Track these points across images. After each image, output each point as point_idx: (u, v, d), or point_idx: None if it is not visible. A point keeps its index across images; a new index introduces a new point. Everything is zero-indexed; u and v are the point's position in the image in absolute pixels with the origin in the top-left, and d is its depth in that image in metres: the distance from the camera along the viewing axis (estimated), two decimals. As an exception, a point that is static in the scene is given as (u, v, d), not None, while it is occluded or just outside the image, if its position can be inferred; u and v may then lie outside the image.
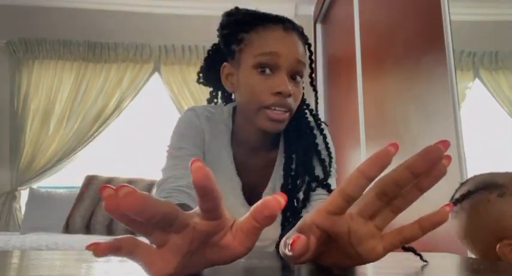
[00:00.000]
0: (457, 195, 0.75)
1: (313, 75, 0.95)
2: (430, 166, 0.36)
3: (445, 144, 0.37)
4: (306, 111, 0.93)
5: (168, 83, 3.51)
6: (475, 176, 0.77)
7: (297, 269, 0.48)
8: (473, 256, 0.74)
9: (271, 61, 0.80)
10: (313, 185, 0.84)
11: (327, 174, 0.86)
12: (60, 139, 3.35)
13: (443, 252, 0.82)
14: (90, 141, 3.39)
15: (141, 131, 3.53)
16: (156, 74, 3.58)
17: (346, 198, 0.37)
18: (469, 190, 0.73)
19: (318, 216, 0.40)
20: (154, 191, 0.88)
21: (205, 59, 0.98)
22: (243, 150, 0.92)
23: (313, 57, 0.93)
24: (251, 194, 0.94)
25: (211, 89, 1.03)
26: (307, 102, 0.94)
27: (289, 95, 0.80)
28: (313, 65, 0.94)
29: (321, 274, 0.46)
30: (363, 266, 0.62)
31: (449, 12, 1.26)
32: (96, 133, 3.40)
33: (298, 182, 0.86)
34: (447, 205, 0.40)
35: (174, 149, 0.86)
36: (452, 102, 1.24)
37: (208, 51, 0.98)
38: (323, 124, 0.93)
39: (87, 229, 2.73)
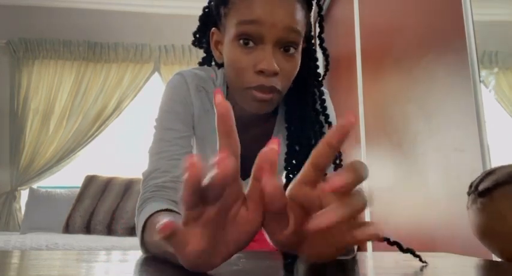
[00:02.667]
0: (484, 186, 0.66)
1: (323, 34, 0.81)
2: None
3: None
4: (315, 90, 0.80)
5: (168, 83, 3.51)
6: (504, 166, 0.68)
7: (297, 269, 0.48)
8: (472, 256, 0.74)
9: (254, 31, 0.67)
10: None
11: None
12: (60, 139, 3.35)
13: (443, 252, 0.82)
14: (90, 141, 3.40)
15: (141, 131, 3.53)
16: (156, 74, 3.58)
17: (315, 168, 0.39)
18: (503, 180, 0.63)
19: (292, 188, 0.40)
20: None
21: (200, 18, 0.85)
22: (238, 121, 0.84)
23: (323, 12, 0.81)
24: (245, 168, 0.89)
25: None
26: (319, 78, 0.80)
27: (275, 73, 0.67)
28: (324, 23, 0.81)
29: (321, 273, 0.46)
30: (362, 266, 0.62)
31: (472, 12, 1.26)
32: (96, 133, 3.41)
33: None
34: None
35: (161, 128, 0.78)
36: (475, 102, 1.23)
37: (204, 8, 0.84)
38: (328, 106, 0.81)
39: (87, 229, 2.73)
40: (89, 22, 3.52)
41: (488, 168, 1.19)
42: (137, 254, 0.68)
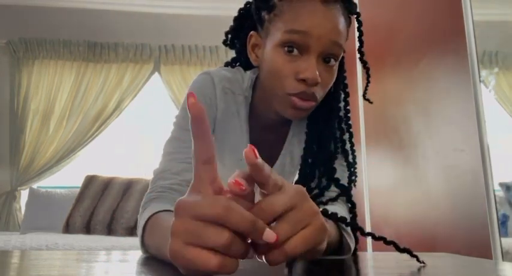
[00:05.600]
0: None
1: (363, 49, 0.83)
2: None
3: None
4: (340, 103, 0.82)
5: (168, 83, 3.51)
6: None
7: (297, 269, 0.48)
8: (472, 256, 0.74)
9: (301, 41, 0.69)
10: (335, 194, 0.76)
11: (351, 182, 0.79)
12: (60, 139, 3.35)
13: (443, 252, 0.82)
14: (90, 141, 3.39)
15: (141, 131, 3.53)
16: (156, 74, 3.58)
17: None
18: None
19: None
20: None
21: (235, 20, 0.86)
22: (258, 126, 0.86)
23: (362, 28, 0.81)
24: None
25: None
26: (347, 89, 0.83)
27: (316, 83, 0.70)
28: (363, 38, 0.82)
29: (321, 273, 0.46)
30: (362, 266, 0.62)
31: (472, 12, 1.26)
32: (96, 133, 3.40)
33: (315, 175, 0.79)
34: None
35: (180, 127, 0.78)
36: (474, 102, 1.23)
37: (240, 10, 0.85)
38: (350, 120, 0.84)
39: (87, 229, 2.72)
40: (89, 22, 3.52)
41: (488, 168, 1.19)
42: (137, 254, 0.68)
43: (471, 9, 1.26)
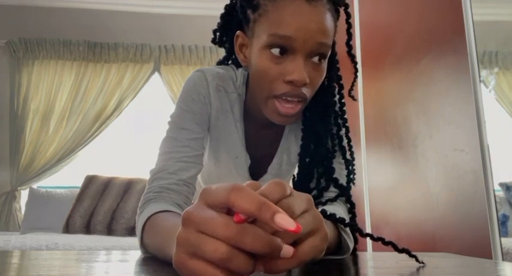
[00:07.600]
0: None
1: (351, 42, 0.81)
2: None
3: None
4: (335, 97, 0.81)
5: (168, 83, 3.51)
6: None
7: (296, 269, 0.48)
8: (472, 256, 0.74)
9: (286, 44, 0.67)
10: (334, 194, 0.76)
11: (350, 180, 0.78)
12: (60, 139, 3.35)
13: (443, 252, 0.82)
14: (90, 141, 3.39)
15: (141, 131, 3.53)
16: (156, 74, 3.58)
17: None
18: None
19: None
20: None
21: (221, 17, 0.84)
22: (253, 123, 0.85)
23: (351, 20, 0.79)
24: (256, 169, 0.89)
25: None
26: (341, 81, 0.81)
27: (304, 84, 0.68)
28: (351, 30, 0.80)
29: (321, 273, 0.46)
30: (362, 266, 0.62)
31: (472, 12, 1.25)
32: (96, 133, 3.40)
33: (313, 175, 0.78)
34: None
35: (176, 126, 0.78)
36: (475, 104, 1.23)
37: (226, 6, 0.83)
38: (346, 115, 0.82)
39: (87, 229, 2.72)
40: (89, 22, 3.52)
41: (488, 168, 1.19)
42: (137, 254, 0.68)
43: (471, 9, 1.26)
